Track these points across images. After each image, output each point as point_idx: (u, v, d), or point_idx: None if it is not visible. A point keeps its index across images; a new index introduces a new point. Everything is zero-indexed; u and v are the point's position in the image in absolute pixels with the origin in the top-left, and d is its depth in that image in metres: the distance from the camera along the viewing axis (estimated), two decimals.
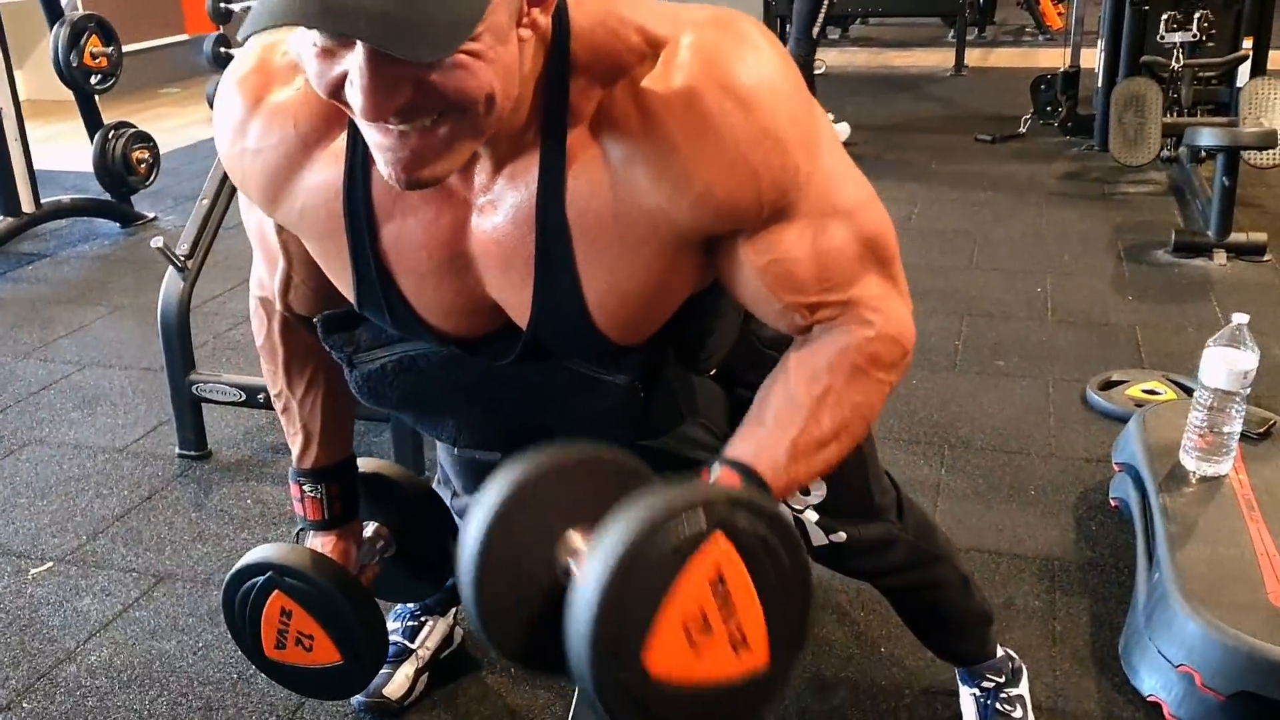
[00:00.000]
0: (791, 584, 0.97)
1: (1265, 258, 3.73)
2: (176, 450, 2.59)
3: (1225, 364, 2.00)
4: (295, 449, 1.36)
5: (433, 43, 0.76)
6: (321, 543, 1.37)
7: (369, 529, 1.44)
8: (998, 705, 1.62)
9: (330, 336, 1.16)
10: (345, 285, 1.10)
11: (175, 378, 2.53)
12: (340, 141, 1.00)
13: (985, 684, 1.64)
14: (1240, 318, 2.02)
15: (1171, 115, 4.57)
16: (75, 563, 2.19)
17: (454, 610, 1.86)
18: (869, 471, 1.39)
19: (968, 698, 1.66)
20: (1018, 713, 1.62)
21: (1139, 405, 2.67)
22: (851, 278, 1.03)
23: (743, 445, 1.08)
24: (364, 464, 1.45)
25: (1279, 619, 1.65)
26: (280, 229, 1.14)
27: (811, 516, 1.36)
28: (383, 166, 0.88)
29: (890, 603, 1.62)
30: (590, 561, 0.89)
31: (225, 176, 2.56)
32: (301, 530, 1.41)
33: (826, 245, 1.01)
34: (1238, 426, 2.04)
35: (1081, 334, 3.20)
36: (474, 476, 1.57)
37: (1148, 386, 2.79)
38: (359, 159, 0.99)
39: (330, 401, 1.33)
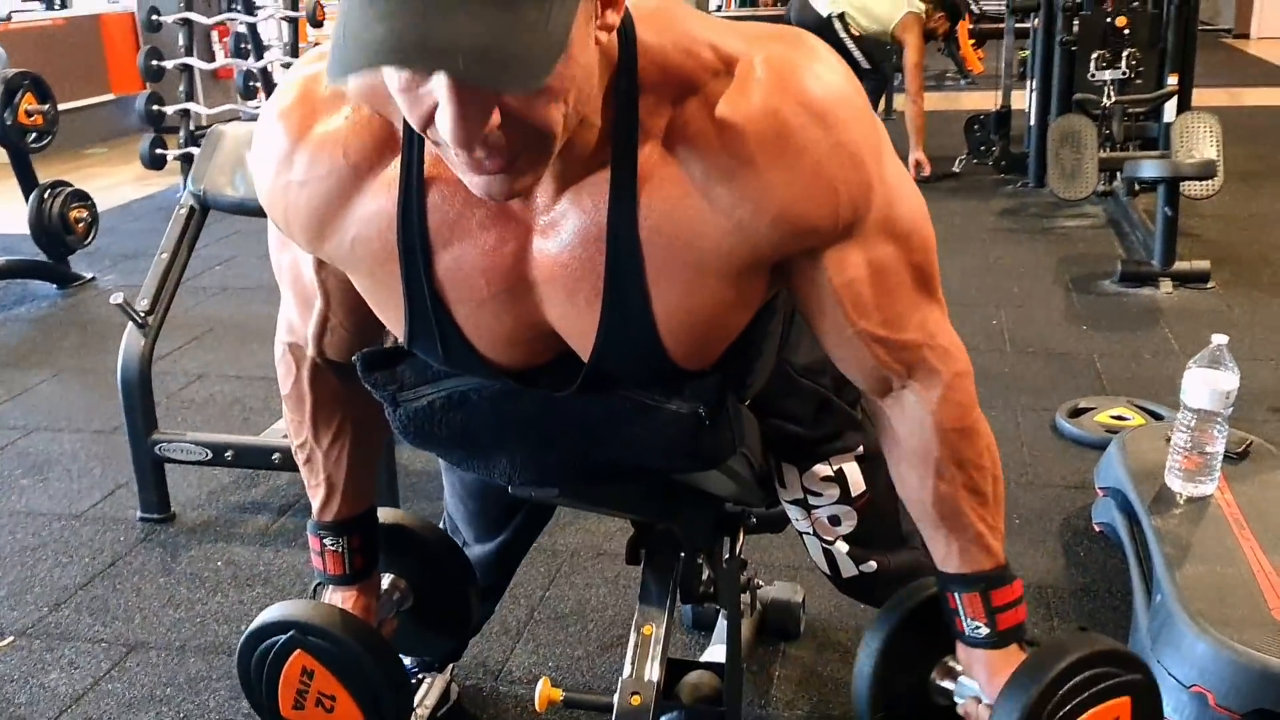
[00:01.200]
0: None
1: (1209, 285, 3.82)
2: (138, 514, 2.50)
3: (1208, 385, 2.02)
4: (317, 501, 1.31)
5: (529, 71, 0.75)
6: (342, 598, 1.31)
7: (385, 581, 1.39)
8: None
9: (371, 375, 1.11)
10: (395, 319, 1.06)
11: (136, 438, 2.44)
12: (393, 169, 0.97)
13: None
14: (1220, 339, 2.06)
15: (1106, 150, 4.69)
16: (38, 635, 2.09)
17: (450, 667, 1.80)
18: (896, 499, 1.38)
19: None
20: None
21: (1110, 431, 2.70)
22: (908, 307, 1.05)
23: (949, 559, 1.17)
24: (381, 514, 1.40)
25: None
26: (320, 267, 1.10)
27: (842, 548, 1.34)
28: (472, 185, 0.85)
29: None
30: (1010, 700, 1.11)
31: (184, 230, 2.50)
32: (319, 585, 1.35)
33: (884, 266, 1.01)
34: (1221, 446, 2.06)
35: (1042, 364, 3.24)
36: (486, 526, 1.53)
37: (1115, 412, 2.82)
38: (414, 186, 0.96)
39: (356, 451, 1.29)
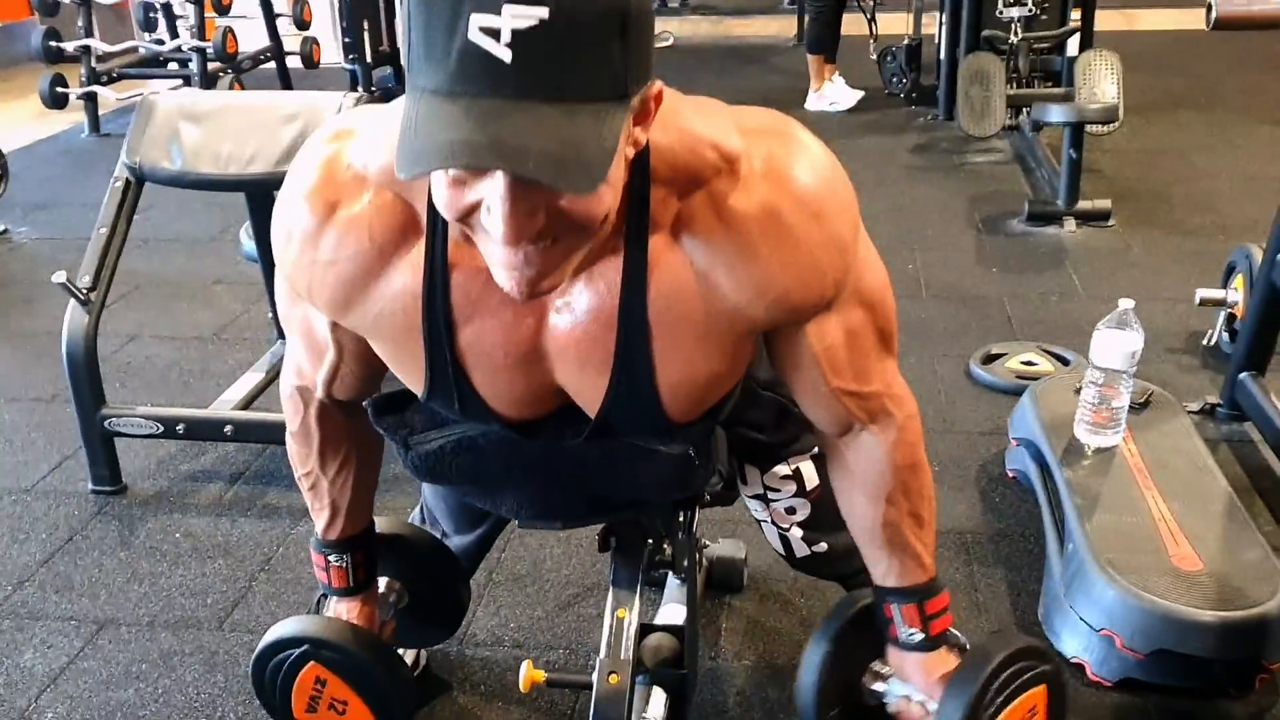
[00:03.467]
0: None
1: (1110, 223, 4.02)
2: (89, 487, 2.53)
3: (1115, 346, 2.18)
4: (321, 522, 1.39)
5: (588, 175, 0.81)
6: (347, 609, 1.41)
7: (381, 584, 1.48)
8: None
9: (382, 419, 1.19)
10: (414, 380, 1.13)
11: (85, 413, 2.47)
12: (417, 250, 1.03)
13: None
14: (1126, 303, 2.21)
15: (1012, 87, 4.84)
16: (7, 615, 2.13)
17: None
18: None
19: None
20: None
21: (1020, 378, 2.87)
22: (873, 363, 1.16)
23: (888, 575, 1.31)
24: (376, 524, 1.49)
25: (1184, 581, 1.83)
26: (335, 326, 1.16)
27: (797, 533, 1.46)
28: (504, 281, 0.92)
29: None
30: (954, 700, 1.24)
31: (121, 204, 2.50)
32: (323, 596, 1.44)
33: (856, 330, 1.13)
34: (1126, 400, 2.23)
35: (956, 308, 3.40)
36: (467, 521, 1.62)
37: (1025, 358, 3.00)
38: (438, 267, 1.03)
39: (359, 477, 1.37)
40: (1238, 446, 2.57)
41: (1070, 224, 3.99)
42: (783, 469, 1.40)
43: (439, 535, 1.62)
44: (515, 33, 0.77)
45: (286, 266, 1.10)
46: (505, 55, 0.77)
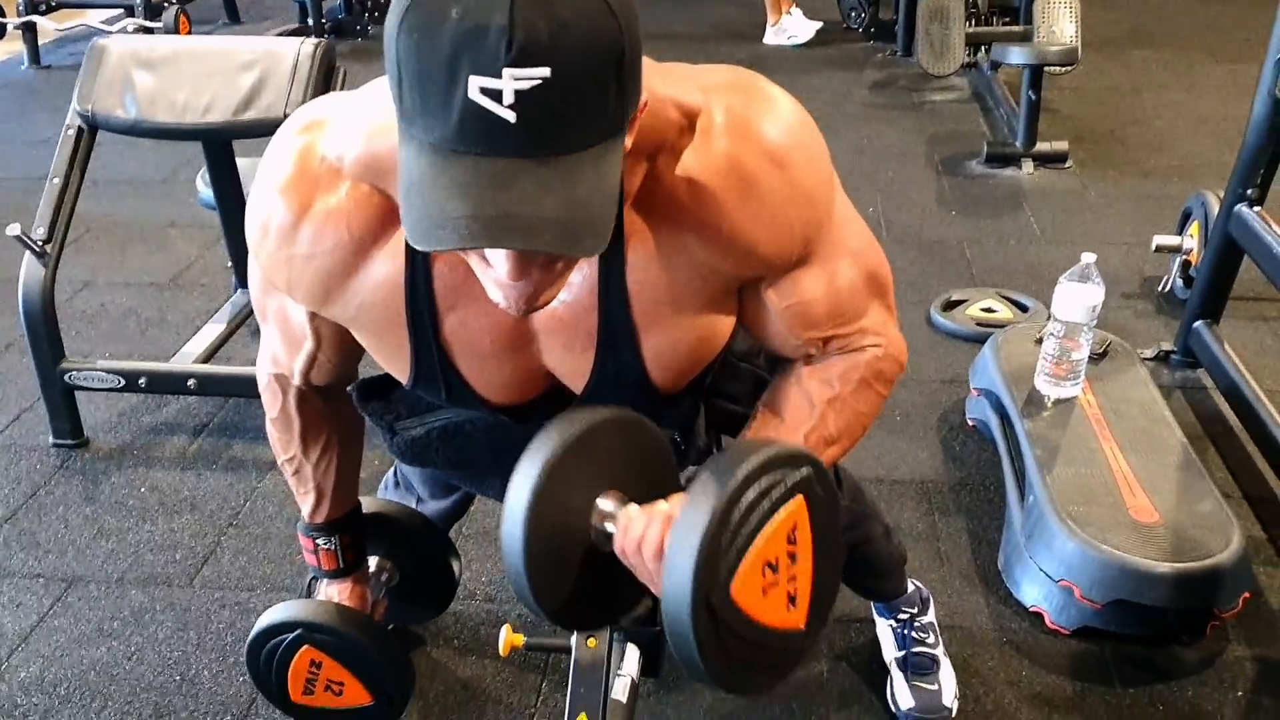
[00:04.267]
0: (834, 562, 1.09)
1: (1067, 165, 4.04)
2: (50, 440, 2.51)
3: (1077, 299, 2.22)
4: (306, 507, 1.39)
5: (597, 235, 0.81)
6: (338, 590, 1.41)
7: (372, 563, 1.49)
8: (914, 634, 1.81)
9: (366, 405, 1.19)
10: (399, 369, 1.13)
11: (44, 368, 2.43)
12: (397, 240, 1.02)
13: (901, 616, 1.82)
14: (1088, 256, 2.24)
15: (971, 24, 4.83)
16: None
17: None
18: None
19: (885, 629, 1.85)
20: (931, 639, 1.82)
21: (980, 325, 2.91)
22: (859, 311, 1.14)
23: (761, 436, 1.18)
24: (364, 504, 1.49)
25: (1141, 533, 1.89)
26: (314, 315, 1.15)
27: None
28: (502, 302, 0.91)
29: None
30: (697, 498, 0.96)
31: (75, 153, 2.44)
32: (314, 579, 1.44)
33: (839, 285, 1.11)
34: (1086, 352, 2.27)
35: (916, 253, 3.42)
36: (443, 488, 1.63)
37: (985, 304, 3.03)
38: (419, 257, 1.02)
39: (342, 459, 1.36)
40: (1191, 393, 2.63)
41: (1028, 166, 4.02)
42: None
43: (414, 501, 1.63)
44: (518, 93, 0.75)
45: (263, 259, 1.08)
46: (509, 116, 0.75)
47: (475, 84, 0.75)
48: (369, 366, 1.25)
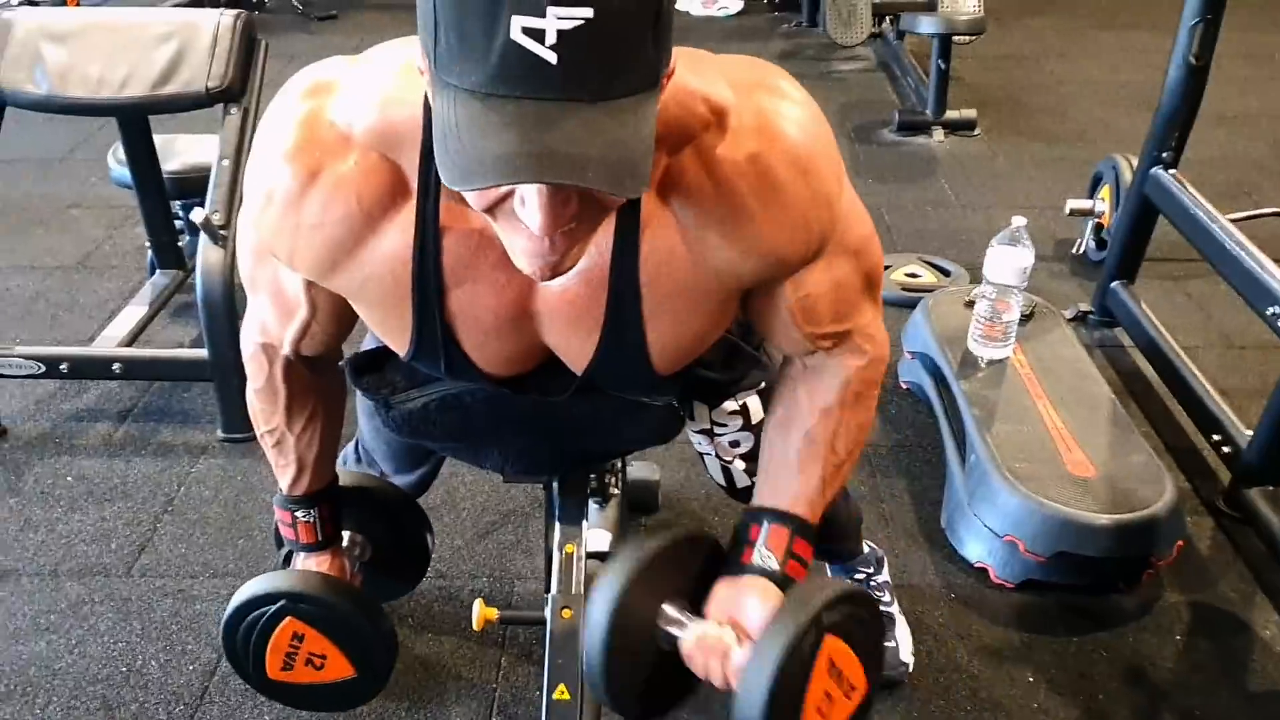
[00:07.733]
0: (874, 630, 1.24)
1: (976, 132, 4.13)
2: None
3: (1008, 261, 2.27)
4: (286, 479, 1.35)
5: (639, 177, 0.80)
6: (317, 563, 1.38)
7: (345, 537, 1.46)
8: (871, 593, 1.84)
9: (361, 379, 1.15)
10: (399, 341, 1.10)
11: None
12: (407, 213, 1.00)
13: (857, 576, 1.85)
14: (1019, 220, 2.30)
15: None
16: None
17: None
18: None
19: None
20: (886, 597, 1.85)
21: (905, 289, 2.96)
22: (854, 308, 1.16)
23: (778, 493, 1.23)
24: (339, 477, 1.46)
25: (1079, 487, 1.95)
26: (310, 285, 1.12)
27: (739, 465, 1.49)
28: (526, 267, 0.89)
29: None
30: (752, 675, 1.11)
31: None
32: (290, 553, 1.41)
33: (841, 280, 1.13)
34: (1017, 314, 2.33)
35: None
36: (407, 462, 1.61)
37: (909, 270, 3.09)
38: (429, 230, 0.99)
39: (325, 431, 1.33)
40: (1110, 351, 2.72)
41: (939, 133, 4.10)
42: (730, 404, 1.42)
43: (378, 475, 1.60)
44: (560, 33, 0.74)
45: (264, 229, 1.05)
46: (551, 57, 0.74)
47: (518, 23, 0.74)
48: (355, 340, 1.23)
